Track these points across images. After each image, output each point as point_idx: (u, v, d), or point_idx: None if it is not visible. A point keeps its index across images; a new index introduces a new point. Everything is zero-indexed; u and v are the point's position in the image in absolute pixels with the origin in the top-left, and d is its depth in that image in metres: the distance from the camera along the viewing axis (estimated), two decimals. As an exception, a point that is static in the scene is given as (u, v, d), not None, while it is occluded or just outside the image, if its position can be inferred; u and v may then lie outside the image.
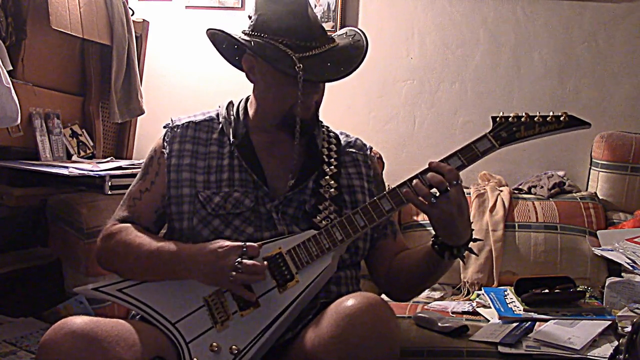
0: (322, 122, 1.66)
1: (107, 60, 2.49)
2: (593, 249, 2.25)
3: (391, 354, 1.27)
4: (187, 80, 2.91)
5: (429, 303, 2.09)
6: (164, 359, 1.36)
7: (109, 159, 2.44)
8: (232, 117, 1.61)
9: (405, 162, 2.74)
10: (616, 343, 1.61)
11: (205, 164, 1.56)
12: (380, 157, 2.41)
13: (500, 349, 1.61)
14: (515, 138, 1.45)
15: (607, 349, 1.58)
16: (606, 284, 1.97)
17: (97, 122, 2.55)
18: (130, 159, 2.69)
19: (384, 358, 1.25)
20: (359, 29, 1.59)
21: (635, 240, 2.21)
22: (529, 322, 1.73)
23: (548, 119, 1.45)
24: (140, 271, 1.49)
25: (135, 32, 2.57)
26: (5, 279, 2.10)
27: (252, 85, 1.61)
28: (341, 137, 1.69)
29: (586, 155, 2.60)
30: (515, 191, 2.53)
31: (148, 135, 2.60)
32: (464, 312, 1.98)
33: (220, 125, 1.60)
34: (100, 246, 1.56)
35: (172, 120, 1.63)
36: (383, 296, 1.66)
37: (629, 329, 1.60)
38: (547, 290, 1.83)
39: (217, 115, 1.63)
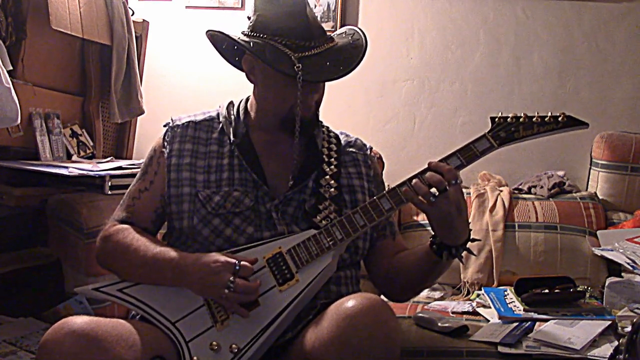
0: (322, 122, 1.66)
1: (107, 60, 2.49)
2: (593, 249, 2.25)
3: (391, 355, 1.27)
4: (187, 80, 2.91)
5: (429, 303, 2.09)
6: (164, 358, 1.36)
7: (109, 159, 2.44)
8: (232, 116, 1.61)
9: (405, 162, 2.74)
10: (616, 343, 1.61)
11: (205, 163, 1.56)
12: (380, 157, 2.41)
13: (500, 349, 1.61)
14: (514, 138, 1.46)
15: (607, 349, 1.58)
16: (606, 284, 1.97)
17: (97, 122, 2.55)
18: (130, 159, 2.70)
19: (384, 359, 1.25)
20: (358, 28, 1.59)
21: (635, 240, 2.21)
22: (529, 322, 1.73)
23: (546, 119, 1.46)
24: (135, 276, 1.49)
25: (135, 32, 2.57)
26: (5, 279, 2.10)
27: (252, 85, 1.61)
28: (341, 137, 1.69)
29: (586, 155, 2.60)
30: (515, 191, 2.53)
31: (148, 135, 2.59)
32: (464, 312, 1.98)
33: (221, 125, 1.61)
34: (99, 247, 1.56)
35: (172, 119, 1.63)
36: (383, 298, 1.66)
37: (629, 329, 1.60)
38: (547, 290, 1.83)
39: (218, 115, 1.64)
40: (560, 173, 2.59)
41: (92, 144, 2.51)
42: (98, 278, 1.93)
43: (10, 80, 1.90)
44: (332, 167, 1.59)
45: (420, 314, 1.82)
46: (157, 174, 1.58)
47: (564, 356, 1.57)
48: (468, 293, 2.23)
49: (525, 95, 2.73)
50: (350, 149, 1.67)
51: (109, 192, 2.12)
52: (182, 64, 2.92)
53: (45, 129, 2.27)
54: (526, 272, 2.20)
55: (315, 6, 2.76)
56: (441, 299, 2.18)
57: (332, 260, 1.43)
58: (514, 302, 1.88)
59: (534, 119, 1.46)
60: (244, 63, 1.58)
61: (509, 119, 1.47)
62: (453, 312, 1.98)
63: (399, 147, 2.80)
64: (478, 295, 2.14)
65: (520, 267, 2.27)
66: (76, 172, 2.07)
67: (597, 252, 2.22)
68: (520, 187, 2.58)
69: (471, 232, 1.49)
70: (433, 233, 1.48)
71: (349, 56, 1.51)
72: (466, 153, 1.45)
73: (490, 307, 1.92)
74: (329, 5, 2.79)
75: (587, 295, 1.89)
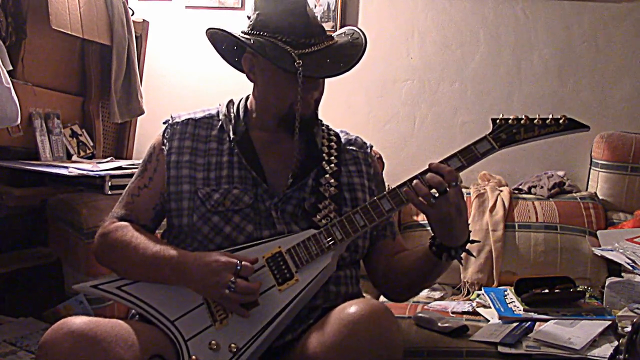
0: (321, 121, 1.66)
1: (107, 60, 2.49)
2: (593, 249, 2.25)
3: None
4: (187, 80, 2.91)
5: (429, 303, 2.09)
6: (163, 357, 1.36)
7: (109, 159, 2.44)
8: (232, 114, 1.61)
9: (405, 162, 2.74)
10: (616, 343, 1.61)
11: (204, 160, 1.56)
12: (380, 157, 2.41)
13: (500, 349, 1.61)
14: (515, 140, 1.46)
15: (607, 349, 1.58)
16: (606, 284, 1.97)
17: (97, 122, 2.55)
18: (130, 158, 2.70)
19: None
20: (358, 28, 1.59)
21: (635, 240, 2.21)
22: (529, 322, 1.73)
23: (547, 121, 1.47)
24: (134, 274, 1.49)
25: (135, 32, 2.57)
26: (5, 279, 2.10)
27: (251, 86, 1.62)
28: (341, 135, 1.69)
29: (586, 155, 2.60)
30: (515, 191, 2.53)
31: (148, 135, 2.58)
32: (464, 312, 1.98)
33: (220, 123, 1.61)
34: (98, 244, 1.56)
35: (171, 116, 1.63)
36: (382, 298, 1.66)
37: (629, 329, 1.60)
38: (547, 290, 1.83)
39: (217, 112, 1.64)
40: (560, 173, 2.59)
41: (92, 144, 2.51)
42: (98, 278, 1.92)
43: (10, 80, 1.90)
44: (332, 165, 1.59)
45: (420, 314, 1.82)
46: (156, 171, 1.58)
47: (564, 356, 1.57)
48: (468, 293, 2.23)
49: (525, 95, 2.73)
50: (351, 147, 1.67)
51: (109, 192, 2.12)
52: (182, 64, 2.92)
53: (45, 129, 2.28)
54: (526, 272, 2.20)
55: (315, 6, 2.76)
56: (441, 299, 2.18)
57: (331, 260, 1.43)
58: (514, 302, 1.88)
59: (535, 121, 1.47)
60: (244, 62, 1.58)
61: (510, 121, 1.47)
62: (453, 312, 1.98)
63: (399, 147, 2.80)
64: (478, 295, 2.14)
65: (520, 267, 2.27)
66: (76, 172, 2.07)
67: (597, 252, 2.22)
68: (520, 187, 2.57)
69: (471, 234, 1.49)
70: (433, 234, 1.48)
71: (348, 54, 1.52)
72: (467, 154, 1.45)
73: (490, 307, 1.92)
74: (329, 5, 2.79)
75: (587, 295, 1.89)
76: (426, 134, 2.80)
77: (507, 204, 2.39)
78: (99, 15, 2.38)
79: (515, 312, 1.81)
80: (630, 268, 2.06)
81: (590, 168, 2.58)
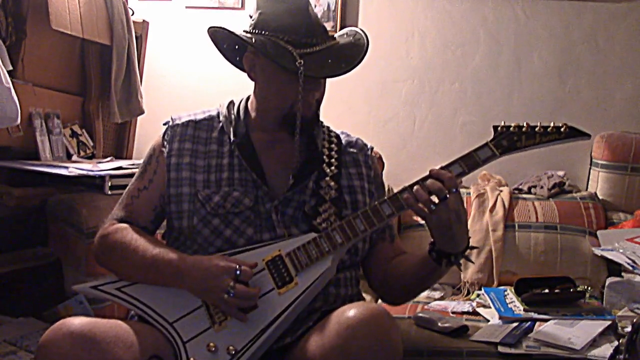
0: (322, 122, 1.65)
1: (107, 60, 2.48)
2: (593, 249, 2.25)
3: None
4: (187, 80, 2.91)
5: (429, 303, 2.09)
6: (162, 358, 1.36)
7: (109, 158, 2.43)
8: (232, 115, 1.60)
9: (405, 162, 2.74)
10: (616, 343, 1.61)
11: (204, 163, 1.55)
12: (380, 157, 2.41)
13: (500, 349, 1.61)
14: (516, 147, 1.48)
15: (607, 349, 1.58)
16: (606, 284, 1.97)
17: (97, 122, 2.55)
18: (130, 159, 2.69)
19: None
20: (359, 29, 1.59)
21: (635, 240, 2.21)
22: (529, 322, 1.73)
23: (549, 129, 1.48)
24: (134, 276, 1.49)
25: (135, 32, 2.57)
26: (5, 279, 2.10)
27: (252, 86, 1.61)
28: (342, 137, 1.68)
29: (586, 155, 2.60)
30: (515, 191, 2.53)
31: (148, 135, 2.59)
32: (464, 312, 1.98)
33: (221, 124, 1.60)
34: (97, 246, 1.56)
35: (172, 118, 1.62)
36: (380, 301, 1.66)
37: (629, 329, 1.60)
38: (547, 290, 1.83)
39: (218, 114, 1.63)
40: (561, 173, 2.58)
41: (92, 144, 2.51)
42: (98, 278, 1.92)
43: (10, 80, 1.90)
44: (333, 167, 1.59)
45: (420, 314, 1.82)
46: (156, 172, 1.58)
47: (564, 356, 1.57)
48: (468, 293, 2.23)
49: (525, 96, 2.73)
50: (351, 149, 1.67)
51: (109, 192, 2.12)
52: (182, 64, 2.92)
53: (45, 129, 2.27)
54: (526, 272, 2.20)
55: (315, 6, 2.76)
56: (441, 299, 2.18)
57: (331, 264, 1.43)
58: (514, 302, 1.88)
59: (536, 129, 1.47)
60: (245, 61, 1.57)
61: (511, 128, 1.48)
62: (453, 312, 1.98)
63: (399, 147, 2.80)
64: (478, 295, 2.14)
65: (520, 267, 2.27)
66: (76, 172, 2.07)
67: (597, 252, 2.22)
68: (520, 187, 2.57)
69: (470, 240, 1.49)
70: (432, 240, 1.48)
71: (350, 54, 1.51)
72: (468, 161, 1.45)
73: (490, 307, 1.92)
74: (329, 6, 2.79)
75: (587, 295, 1.89)
76: (426, 134, 2.80)
77: (507, 204, 2.39)
78: (98, 15, 2.38)
79: (515, 312, 1.82)
80: (630, 268, 2.07)
81: (590, 168, 2.58)
